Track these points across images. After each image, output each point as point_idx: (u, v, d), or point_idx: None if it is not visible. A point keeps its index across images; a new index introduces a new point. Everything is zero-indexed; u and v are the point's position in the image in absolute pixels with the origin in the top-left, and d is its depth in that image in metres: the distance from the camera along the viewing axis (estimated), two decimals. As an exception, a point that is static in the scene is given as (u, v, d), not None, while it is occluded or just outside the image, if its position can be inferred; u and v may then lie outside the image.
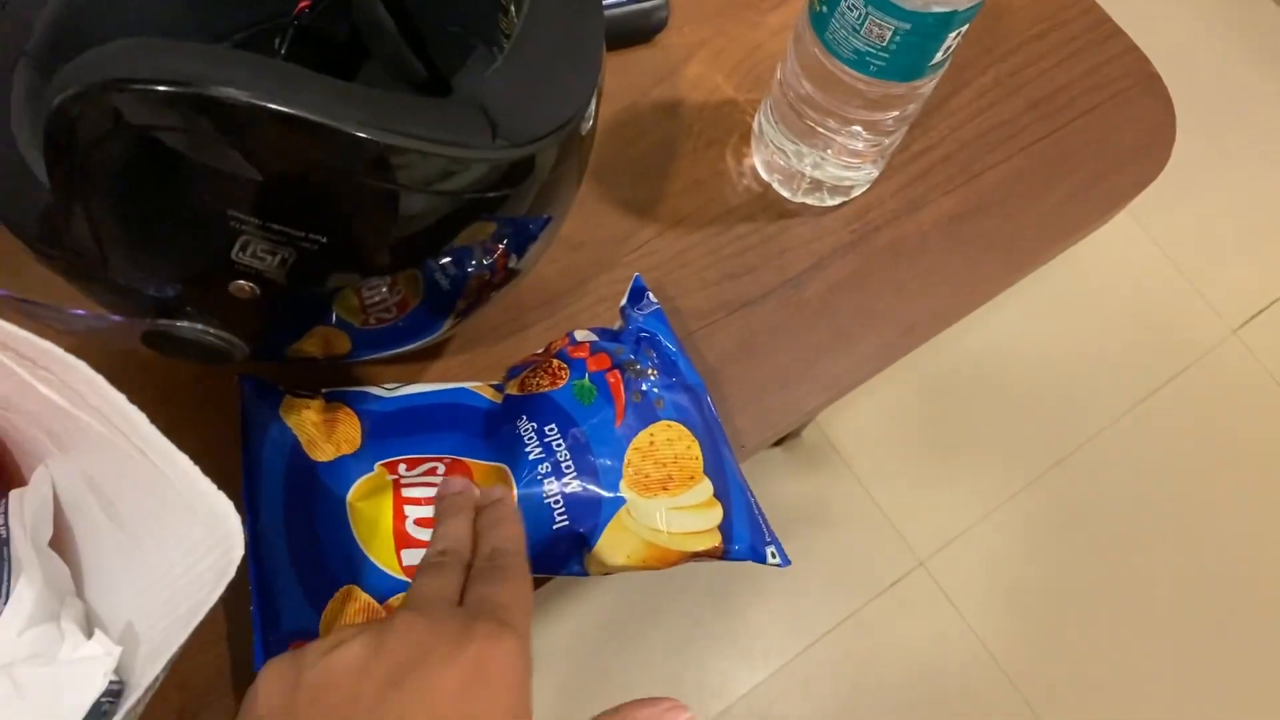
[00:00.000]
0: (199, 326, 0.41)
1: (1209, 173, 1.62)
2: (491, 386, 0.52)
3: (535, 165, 0.41)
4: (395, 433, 0.49)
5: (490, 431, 0.49)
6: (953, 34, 0.50)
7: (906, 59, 0.51)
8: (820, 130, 0.57)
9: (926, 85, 0.54)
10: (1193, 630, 1.36)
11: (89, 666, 0.38)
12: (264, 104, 0.33)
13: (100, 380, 0.34)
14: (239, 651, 0.48)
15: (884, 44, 0.50)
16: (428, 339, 0.51)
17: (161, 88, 0.33)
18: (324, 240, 0.37)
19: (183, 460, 0.34)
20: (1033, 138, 0.66)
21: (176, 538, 0.36)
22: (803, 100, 0.56)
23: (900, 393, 1.42)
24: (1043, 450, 1.43)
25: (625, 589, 1.30)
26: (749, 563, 0.49)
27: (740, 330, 0.58)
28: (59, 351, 0.34)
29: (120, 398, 0.34)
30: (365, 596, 0.45)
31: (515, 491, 0.46)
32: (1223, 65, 1.73)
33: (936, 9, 0.48)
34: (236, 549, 0.33)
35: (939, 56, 0.51)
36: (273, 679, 0.33)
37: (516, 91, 0.39)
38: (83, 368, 0.34)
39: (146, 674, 0.36)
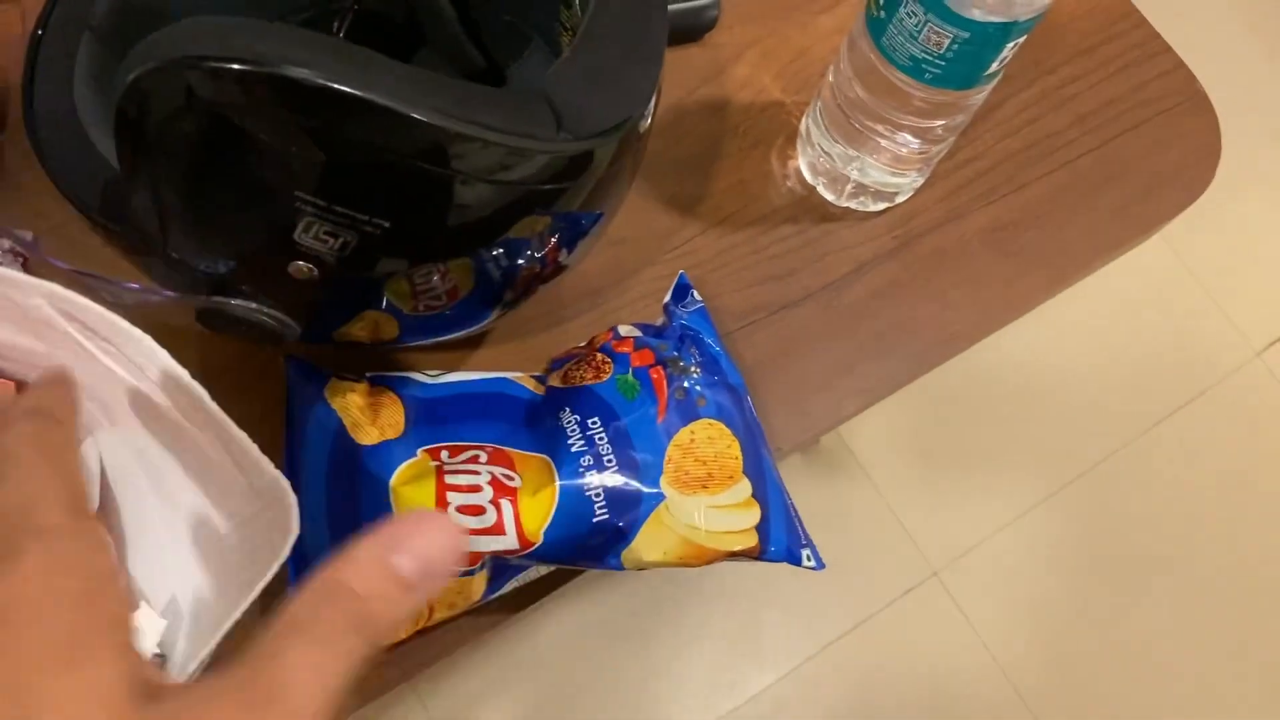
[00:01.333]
0: (253, 305, 0.42)
1: (1241, 193, 1.62)
2: (533, 378, 0.52)
3: (595, 160, 0.41)
4: (438, 419, 0.49)
5: (532, 422, 0.49)
6: (1010, 44, 0.50)
7: (962, 68, 0.51)
8: (869, 135, 0.57)
9: (979, 95, 0.54)
10: (1207, 653, 1.35)
11: (135, 638, 0.39)
12: (338, 86, 0.33)
13: (163, 354, 0.34)
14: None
15: (941, 52, 0.50)
16: (473, 328, 0.52)
17: (236, 66, 0.33)
18: (386, 225, 0.37)
19: (241, 437, 0.34)
20: (1078, 152, 0.66)
21: (227, 514, 0.36)
22: (853, 104, 0.56)
23: (920, 402, 1.42)
24: (1061, 465, 1.42)
25: (637, 586, 1.30)
26: (764, 564, 0.49)
27: (779, 332, 0.59)
28: (123, 323, 0.34)
29: (183, 372, 0.34)
30: (404, 581, 0.45)
31: (557, 484, 0.46)
32: (1266, 86, 1.72)
33: (996, 19, 0.48)
34: (293, 527, 0.33)
35: (994, 66, 0.51)
36: None
37: (582, 86, 0.40)
38: (146, 341, 0.34)
39: (196, 649, 0.36)
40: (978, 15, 0.48)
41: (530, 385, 0.51)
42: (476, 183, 0.38)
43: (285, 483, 0.34)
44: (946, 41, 0.49)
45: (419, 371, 0.52)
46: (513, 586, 0.50)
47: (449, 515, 0.29)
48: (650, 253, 0.59)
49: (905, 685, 1.31)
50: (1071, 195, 0.65)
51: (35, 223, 0.52)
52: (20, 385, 0.43)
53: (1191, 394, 1.49)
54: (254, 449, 0.34)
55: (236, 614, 0.34)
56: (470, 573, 0.45)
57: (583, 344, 0.53)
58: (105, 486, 0.44)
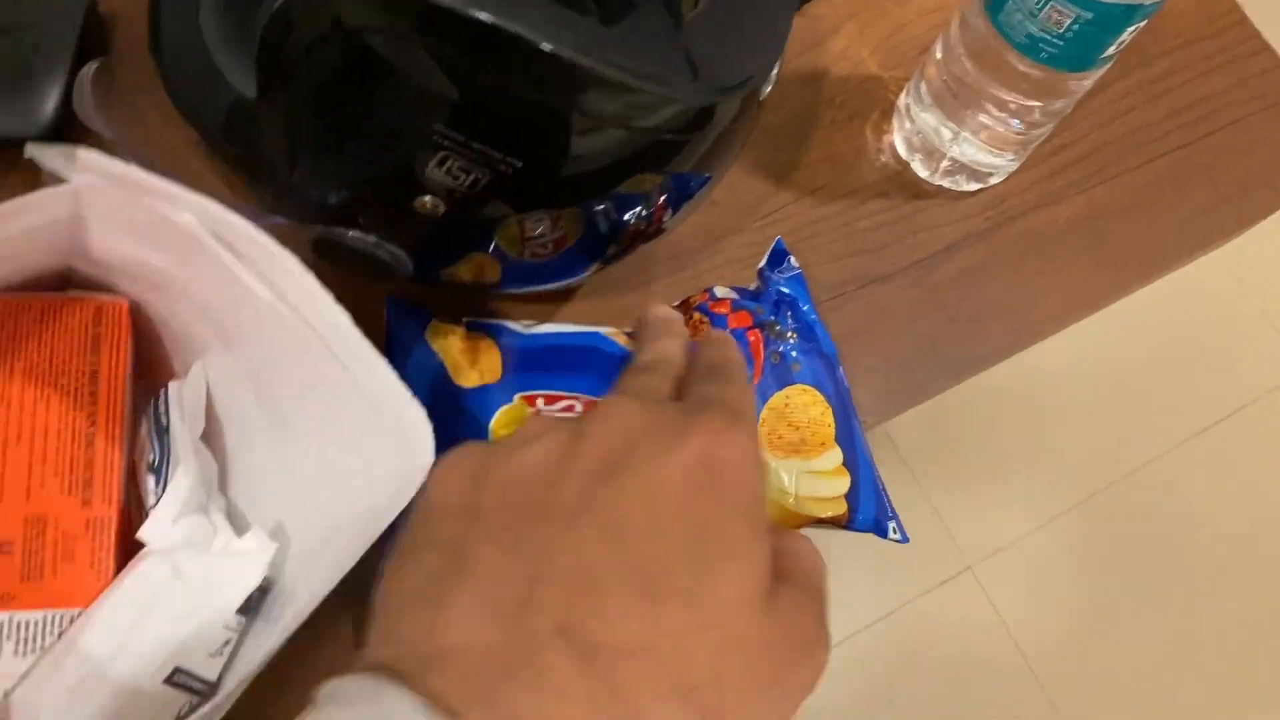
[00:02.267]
0: (371, 238, 0.42)
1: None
2: (625, 333, 0.52)
3: (720, 114, 0.41)
4: (534, 367, 0.49)
5: (625, 378, 0.49)
6: (1131, 28, 0.49)
7: (1079, 49, 0.50)
8: (972, 112, 0.57)
9: (1089, 79, 0.54)
10: (1232, 662, 1.35)
11: (246, 560, 0.39)
12: (488, 18, 0.33)
13: (309, 276, 0.34)
14: (360, 567, 0.49)
15: (1061, 31, 0.49)
16: (568, 280, 0.52)
17: (387, -6, 0.33)
18: (518, 165, 0.38)
19: (381, 364, 0.34)
20: (1172, 145, 0.66)
21: (349, 442, 0.37)
22: (959, 80, 0.56)
23: (965, 394, 1.41)
24: (1102, 468, 1.42)
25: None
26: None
27: (867, 306, 0.58)
28: (272, 243, 0.34)
29: (327, 295, 0.34)
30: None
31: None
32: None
33: (1121, 1, 0.47)
34: (426, 454, 0.33)
35: (1111, 50, 0.51)
36: (451, 477, 0.28)
37: (717, 39, 0.39)
38: (292, 261, 0.34)
39: (311, 576, 0.36)
40: (1103, -5, 0.47)
41: (622, 340, 0.51)
42: (610, 126, 0.38)
43: (421, 412, 0.34)
44: (1068, 21, 0.49)
45: (513, 320, 0.52)
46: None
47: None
48: (740, 219, 0.59)
49: (932, 674, 1.32)
50: (1163, 189, 0.64)
51: (148, 147, 0.52)
52: (134, 305, 0.43)
53: (1236, 405, 1.48)
54: (393, 376, 0.34)
55: (366, 545, 0.34)
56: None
57: (676, 303, 0.53)
58: (210, 410, 0.44)
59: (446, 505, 0.28)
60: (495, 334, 0.50)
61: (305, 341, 0.36)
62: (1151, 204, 0.64)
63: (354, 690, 0.23)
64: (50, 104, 0.50)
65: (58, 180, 0.35)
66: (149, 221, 0.35)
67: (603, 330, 0.52)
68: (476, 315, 0.53)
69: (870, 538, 0.49)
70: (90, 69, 0.48)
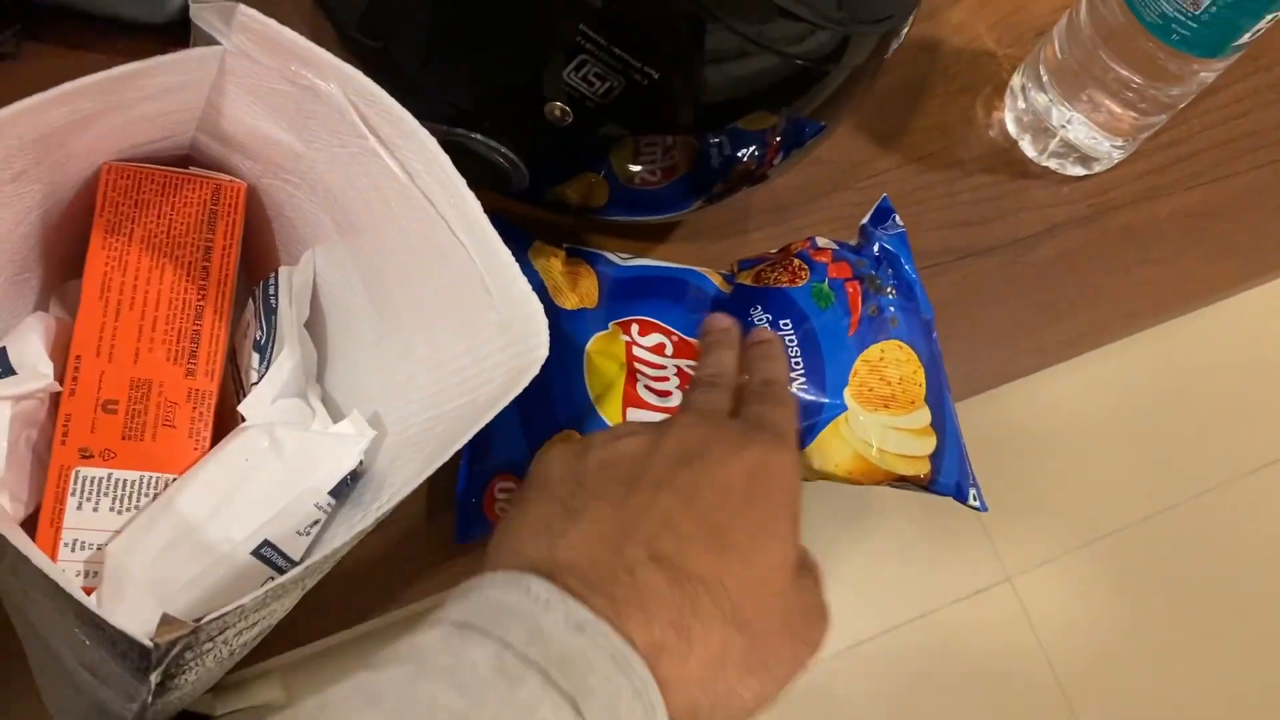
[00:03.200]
0: (494, 143, 0.42)
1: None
2: (720, 275, 0.52)
3: (851, 50, 0.41)
4: (629, 296, 0.49)
5: (719, 315, 0.49)
6: (1270, 16, 0.48)
7: (1214, 34, 0.49)
8: (1089, 93, 0.56)
9: (1217, 67, 0.53)
10: (1267, 703, 1.33)
11: (343, 442, 0.39)
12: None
13: (444, 159, 0.34)
14: (439, 474, 0.49)
15: (1197, 13, 0.48)
16: (669, 214, 0.52)
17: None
18: (654, 76, 0.38)
19: (505, 254, 0.34)
20: (1282, 153, 0.64)
21: (460, 335, 0.37)
22: (1081, 59, 0.55)
23: (1024, 404, 1.40)
24: (1155, 492, 1.40)
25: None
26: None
27: (963, 279, 0.58)
28: (413, 122, 0.34)
29: (459, 180, 0.34)
30: (582, 443, 0.45)
31: (745, 376, 0.46)
32: None
33: (1265, -16, 0.46)
34: (541, 348, 0.33)
35: (1245, 38, 0.50)
36: (556, 459, 0.35)
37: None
38: (431, 144, 0.34)
39: (405, 467, 0.36)
40: (1246, -23, 0.46)
41: (717, 280, 0.51)
42: (749, 44, 0.37)
43: (538, 305, 0.34)
44: (1205, 2, 0.48)
45: (610, 252, 0.52)
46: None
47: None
48: (843, 178, 0.59)
49: (961, 682, 1.30)
50: (1272, 195, 0.63)
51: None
52: (251, 189, 0.43)
53: (1296, 448, 1.45)
54: (516, 268, 0.34)
55: (466, 436, 0.34)
56: (648, 448, 0.46)
57: (774, 250, 0.52)
58: (315, 299, 0.44)
59: (556, 475, 0.34)
60: (593, 261, 0.51)
61: (432, 228, 0.36)
62: (1257, 209, 0.63)
63: (500, 579, 0.30)
64: (179, -9, 0.51)
65: (209, 43, 0.35)
66: (287, 93, 0.36)
67: (699, 269, 0.52)
68: (578, 244, 0.53)
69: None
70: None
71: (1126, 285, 0.60)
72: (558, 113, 0.39)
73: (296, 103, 0.36)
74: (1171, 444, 1.42)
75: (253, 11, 0.33)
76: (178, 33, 0.54)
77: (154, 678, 0.28)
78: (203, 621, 0.27)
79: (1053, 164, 0.61)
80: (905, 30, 0.44)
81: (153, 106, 0.38)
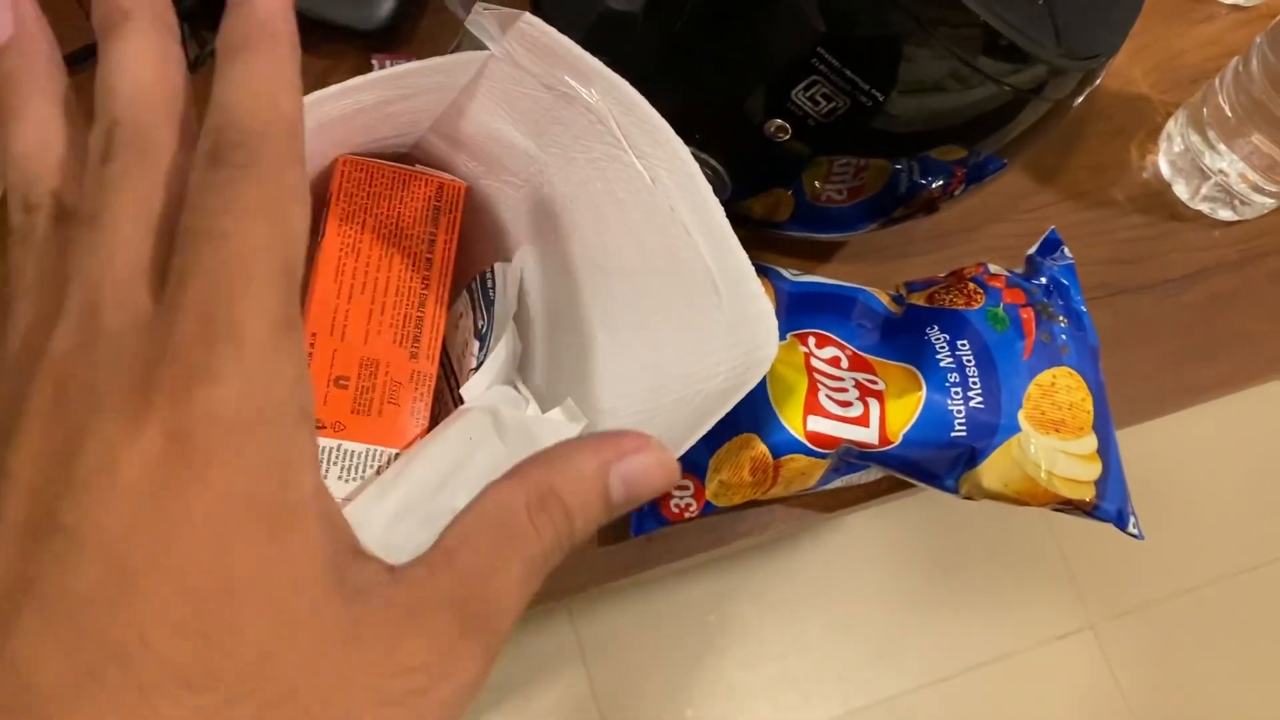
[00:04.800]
0: (704, 155, 0.44)
1: None
2: (889, 296, 0.54)
3: (1059, 84, 0.43)
4: (804, 311, 0.51)
5: (891, 334, 0.51)
6: None
7: (1391, 86, 0.51)
8: (1247, 138, 0.57)
9: (1386, 120, 0.54)
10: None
11: (560, 427, 0.42)
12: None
13: (694, 167, 0.36)
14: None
15: (1378, 65, 0.50)
16: (844, 233, 0.54)
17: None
18: (879, 98, 0.40)
19: (741, 256, 0.36)
20: None
21: (685, 335, 0.39)
22: (1248, 105, 0.56)
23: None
24: (1254, 546, 1.38)
25: (797, 559, 1.31)
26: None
27: (1114, 314, 0.59)
28: (669, 131, 0.36)
29: (709, 189, 0.36)
30: (762, 447, 0.47)
31: (924, 393, 0.48)
32: None
33: None
34: (771, 346, 0.35)
35: None
36: None
37: (1083, 8, 0.41)
38: (683, 152, 0.36)
39: None
40: None
41: (886, 301, 0.53)
42: (973, 73, 0.39)
43: (768, 305, 0.36)
44: (1387, 56, 0.49)
45: (781, 268, 0.54)
46: (836, 485, 0.52)
47: (660, 443, 0.28)
48: (1003, 210, 0.61)
49: (1038, 727, 1.30)
50: None
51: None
52: (469, 189, 0.46)
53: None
54: (750, 267, 0.36)
55: (688, 435, 0.35)
56: (824, 456, 0.47)
57: (942, 274, 0.54)
58: (522, 296, 0.47)
59: None
60: (769, 275, 0.53)
61: (666, 231, 0.38)
62: (1407, 264, 0.63)
63: None
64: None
65: (477, 47, 0.38)
66: (536, 98, 0.38)
67: (868, 288, 0.54)
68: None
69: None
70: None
71: (1274, 332, 0.61)
72: (777, 130, 0.42)
73: (546, 108, 0.39)
74: (1270, 500, 1.41)
75: (534, 19, 0.36)
76: (384, 39, 0.58)
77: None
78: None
79: (1205, 208, 0.62)
80: (1103, 73, 0.46)
81: (404, 105, 0.41)
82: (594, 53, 0.45)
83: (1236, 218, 0.62)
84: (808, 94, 0.40)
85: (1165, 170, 0.63)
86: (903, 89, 0.40)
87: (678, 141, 0.36)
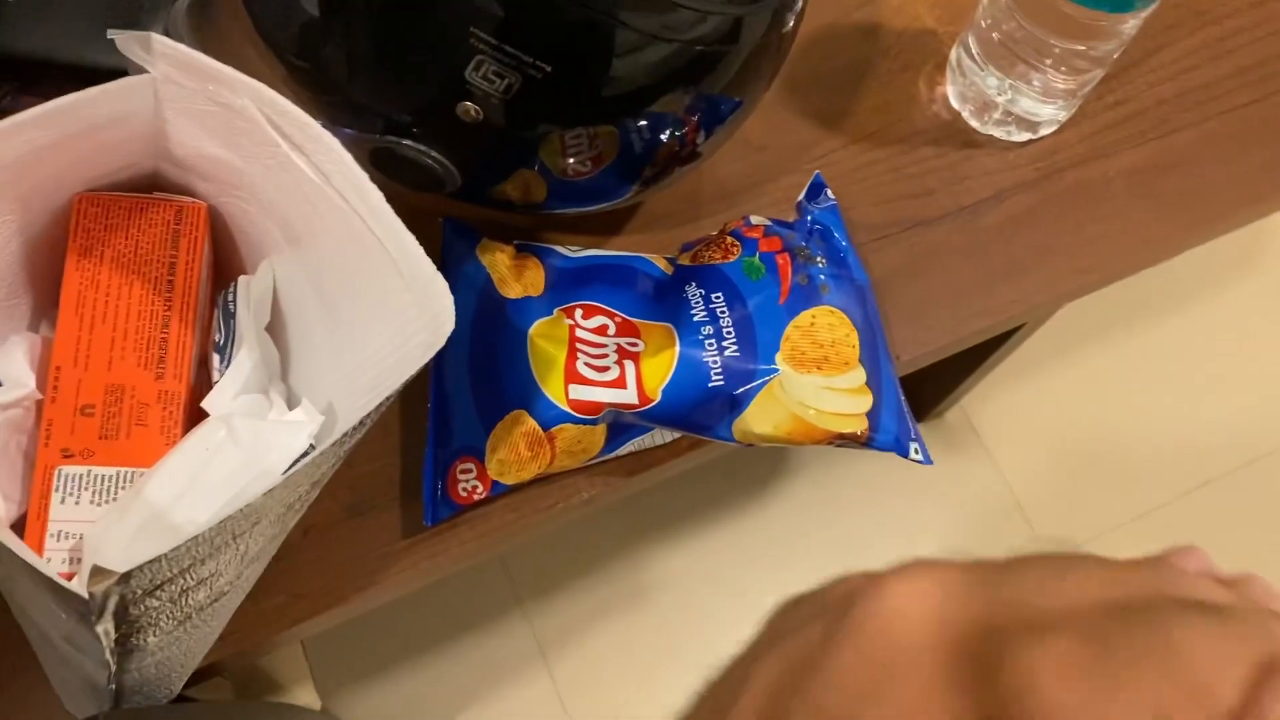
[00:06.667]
0: (421, 148, 0.45)
1: None
2: (665, 259, 0.55)
3: (747, 29, 0.44)
4: (575, 284, 0.52)
5: (659, 296, 0.52)
6: (1169, -34, 0.50)
7: (1118, -12, 0.51)
8: (1020, 60, 0.58)
9: (1131, 21, 0.54)
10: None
11: (295, 428, 0.43)
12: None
13: (348, 158, 0.38)
14: (409, 462, 0.53)
15: (1098, -31, 0.50)
16: (612, 202, 0.55)
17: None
18: (548, 69, 0.41)
19: (409, 239, 0.38)
20: (1233, 104, 0.65)
21: (388, 321, 0.40)
22: (1006, 31, 0.57)
23: (1059, 388, 1.39)
24: (1196, 467, 1.38)
25: (747, 533, 1.31)
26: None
27: (911, 248, 0.60)
28: (317, 127, 0.38)
29: (363, 175, 0.38)
30: (531, 422, 0.48)
31: (677, 348, 0.49)
32: None
33: (1157, -63, 0.48)
34: (447, 323, 0.37)
35: (1152, -10, 0.52)
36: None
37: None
38: (335, 145, 0.38)
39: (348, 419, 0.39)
40: (1138, -68, 0.48)
41: (661, 265, 0.54)
42: (636, 33, 0.41)
43: (444, 284, 0.37)
44: (1104, -41, 0.50)
45: (563, 246, 0.55)
46: (630, 449, 0.53)
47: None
48: (789, 162, 0.61)
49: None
50: (1222, 145, 0.64)
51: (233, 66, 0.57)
52: (212, 209, 0.48)
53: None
54: (419, 251, 0.37)
55: (381, 397, 0.37)
56: (592, 422, 0.49)
57: (714, 232, 0.55)
58: (276, 305, 0.48)
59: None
60: (542, 255, 0.54)
61: (349, 223, 0.39)
62: (1209, 160, 0.64)
63: None
64: (153, 38, 0.56)
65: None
66: (216, 113, 0.40)
67: (646, 255, 0.55)
68: (532, 241, 0.57)
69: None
70: (185, 1, 0.53)
71: (1079, 243, 0.61)
72: (472, 113, 0.43)
73: (226, 120, 0.40)
74: (1207, 421, 1.40)
75: (165, 39, 0.37)
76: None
77: (100, 628, 0.32)
78: (131, 569, 0.31)
79: (998, 132, 0.63)
80: (799, 8, 0.46)
81: (107, 135, 0.42)
82: (301, 60, 0.46)
83: (1031, 136, 0.63)
84: (479, 73, 0.41)
85: (955, 101, 0.63)
86: (571, 58, 0.41)
87: (328, 136, 0.38)
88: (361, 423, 0.36)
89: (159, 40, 0.38)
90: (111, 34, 0.38)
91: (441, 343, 0.37)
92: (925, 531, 1.32)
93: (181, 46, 0.37)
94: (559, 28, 0.40)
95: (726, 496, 1.33)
